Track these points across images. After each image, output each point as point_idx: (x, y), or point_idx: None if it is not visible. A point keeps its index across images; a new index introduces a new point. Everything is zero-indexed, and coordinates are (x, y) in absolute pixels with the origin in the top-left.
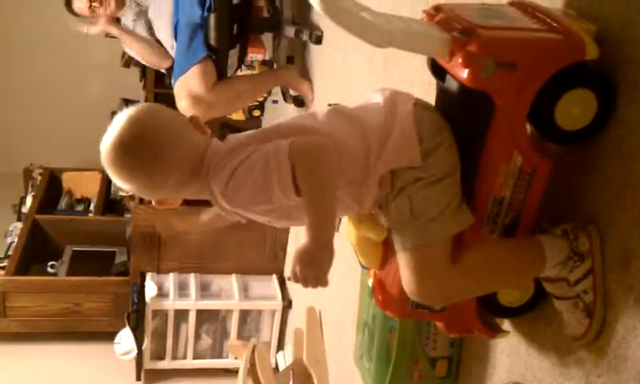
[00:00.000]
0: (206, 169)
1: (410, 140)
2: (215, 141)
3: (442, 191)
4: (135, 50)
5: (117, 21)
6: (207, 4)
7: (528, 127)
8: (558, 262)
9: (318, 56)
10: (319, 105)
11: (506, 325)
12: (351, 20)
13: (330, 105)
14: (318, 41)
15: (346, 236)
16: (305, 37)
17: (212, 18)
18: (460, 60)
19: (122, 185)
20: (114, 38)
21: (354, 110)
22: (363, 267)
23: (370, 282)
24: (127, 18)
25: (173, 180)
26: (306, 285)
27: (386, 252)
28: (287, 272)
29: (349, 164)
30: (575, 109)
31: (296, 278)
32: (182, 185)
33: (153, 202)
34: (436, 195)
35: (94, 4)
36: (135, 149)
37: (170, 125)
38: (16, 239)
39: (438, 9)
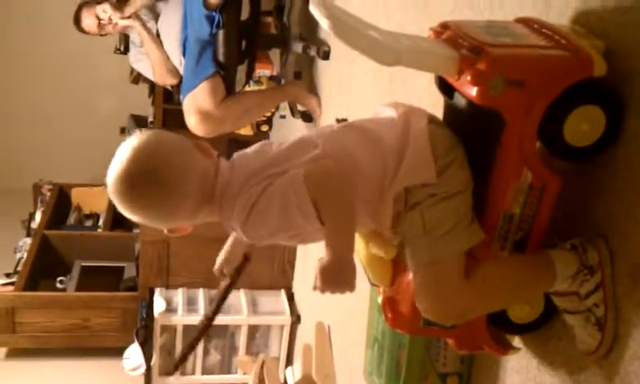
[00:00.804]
0: (219, 197)
1: (425, 158)
2: (224, 163)
3: (454, 207)
4: (153, 58)
5: (125, 37)
6: (216, 20)
7: (537, 144)
8: (568, 276)
9: (325, 71)
10: (327, 120)
11: (517, 341)
12: (359, 39)
13: (337, 120)
14: (326, 56)
15: (355, 253)
16: (312, 52)
17: (220, 34)
18: (469, 78)
19: (132, 217)
20: (123, 54)
21: (369, 126)
22: (372, 284)
23: (380, 299)
24: (135, 34)
25: (183, 210)
26: (333, 293)
27: (396, 269)
28: (313, 284)
29: (364, 183)
30: (584, 125)
31: (322, 291)
32: (193, 213)
33: (165, 231)
34: (448, 210)
35: (102, 21)
36: (143, 183)
37: (176, 153)
38: (25, 255)
39: (444, 26)
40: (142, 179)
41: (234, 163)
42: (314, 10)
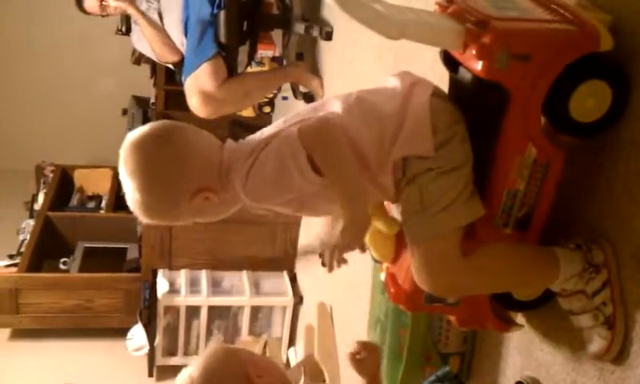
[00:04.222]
0: (226, 172)
1: (423, 130)
2: (229, 142)
3: (452, 182)
4: (149, 37)
5: (127, 18)
6: (217, 1)
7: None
8: (573, 274)
9: (327, 52)
10: None
11: (519, 321)
12: (364, 11)
13: None
14: (328, 37)
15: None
16: (315, 33)
17: (222, 15)
18: (474, 52)
19: (139, 194)
20: (125, 35)
21: (368, 96)
22: (375, 261)
23: (382, 275)
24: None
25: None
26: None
27: (399, 245)
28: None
29: (362, 149)
30: (590, 100)
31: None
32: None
33: None
34: (446, 186)
35: (104, 2)
36: (153, 143)
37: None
38: (28, 236)
39: (450, 0)
40: (151, 140)
41: (242, 143)
42: None
